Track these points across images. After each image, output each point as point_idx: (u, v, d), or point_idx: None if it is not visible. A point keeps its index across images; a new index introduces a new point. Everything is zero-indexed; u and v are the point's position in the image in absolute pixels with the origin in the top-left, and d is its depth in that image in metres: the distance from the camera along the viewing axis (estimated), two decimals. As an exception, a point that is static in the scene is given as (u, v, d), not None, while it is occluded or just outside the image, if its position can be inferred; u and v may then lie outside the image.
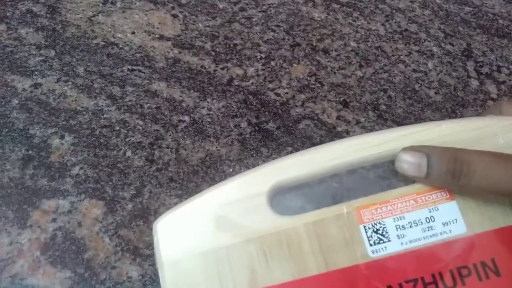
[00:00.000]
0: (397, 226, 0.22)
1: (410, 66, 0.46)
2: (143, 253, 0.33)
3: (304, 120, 0.41)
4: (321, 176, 0.23)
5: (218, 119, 0.41)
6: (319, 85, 0.44)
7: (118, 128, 0.39)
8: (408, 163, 0.23)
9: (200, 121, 0.40)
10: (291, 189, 0.23)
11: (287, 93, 0.43)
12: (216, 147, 0.39)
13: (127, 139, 0.39)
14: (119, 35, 0.45)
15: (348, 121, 0.41)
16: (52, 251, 0.33)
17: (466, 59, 0.47)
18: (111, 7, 0.48)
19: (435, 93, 0.44)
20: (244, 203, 0.22)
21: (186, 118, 0.40)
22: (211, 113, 0.41)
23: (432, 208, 0.22)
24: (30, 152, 0.37)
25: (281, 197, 0.23)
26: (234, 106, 0.42)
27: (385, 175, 0.23)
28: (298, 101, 0.42)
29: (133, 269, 0.33)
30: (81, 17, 0.46)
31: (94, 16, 0.47)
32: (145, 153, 0.38)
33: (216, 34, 0.47)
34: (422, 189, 0.23)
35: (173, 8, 0.48)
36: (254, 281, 0.21)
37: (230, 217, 0.22)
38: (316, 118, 0.41)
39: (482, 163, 0.21)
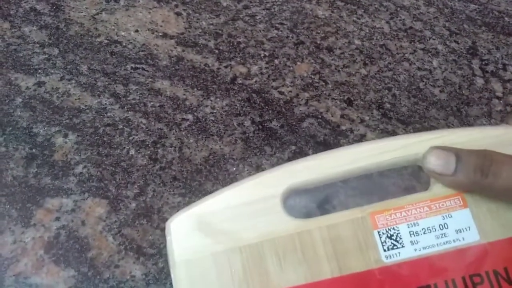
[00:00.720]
0: (411, 232, 0.22)
1: (414, 64, 0.46)
2: (147, 252, 0.33)
3: (308, 118, 0.41)
4: (335, 180, 0.23)
5: (222, 117, 0.40)
6: (323, 84, 0.43)
7: (121, 126, 0.39)
8: (436, 159, 0.23)
9: (203, 119, 0.40)
10: (305, 192, 0.23)
11: (291, 91, 0.43)
12: (220, 146, 0.39)
13: (131, 138, 0.39)
14: (123, 33, 0.45)
15: (352, 120, 0.41)
16: (55, 250, 0.33)
17: (471, 57, 0.47)
18: (115, 5, 0.47)
19: (440, 91, 0.44)
20: (258, 205, 0.22)
21: (190, 116, 0.40)
22: (214, 111, 0.41)
23: (446, 215, 0.22)
24: (33, 150, 0.37)
25: (295, 200, 0.23)
26: (238, 105, 0.41)
27: (399, 180, 0.23)
28: (302, 100, 0.42)
29: (137, 268, 0.33)
30: (84, 15, 0.46)
31: (97, 14, 0.47)
32: (149, 152, 0.38)
33: (220, 32, 0.46)
34: (436, 196, 0.23)
35: (176, 6, 0.48)
36: (268, 283, 0.21)
37: (244, 218, 0.22)
38: (320, 116, 0.41)
39: (510, 163, 0.22)
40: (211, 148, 0.39)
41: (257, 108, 0.41)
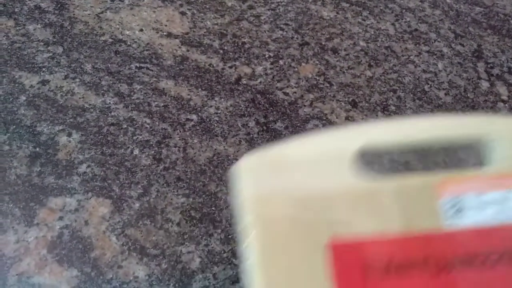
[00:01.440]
0: (475, 203, 0.23)
1: (420, 66, 0.45)
2: (150, 252, 0.33)
3: (313, 120, 0.41)
4: (411, 146, 0.24)
5: (226, 118, 0.40)
6: (328, 85, 0.43)
7: (125, 126, 0.39)
8: None
9: (207, 120, 0.40)
10: (380, 152, 0.24)
11: (295, 92, 0.43)
12: (224, 147, 0.39)
13: (135, 137, 0.39)
14: (127, 32, 0.45)
15: (357, 122, 0.41)
16: (58, 250, 0.33)
17: (476, 60, 0.47)
18: (119, 3, 0.47)
19: (445, 94, 0.44)
20: (331, 159, 0.23)
21: (194, 116, 0.40)
22: (219, 112, 0.41)
23: (509, 191, 0.23)
24: (37, 149, 0.37)
25: (370, 158, 0.24)
26: (242, 105, 0.41)
27: (471, 154, 0.25)
28: (306, 101, 0.42)
29: (140, 269, 0.33)
30: (89, 14, 0.46)
31: (102, 12, 0.46)
32: (153, 152, 0.38)
33: (225, 32, 0.46)
34: (501, 172, 0.24)
35: (181, 5, 0.48)
36: (335, 232, 0.22)
37: (315, 169, 0.23)
38: (324, 118, 0.41)
39: None
40: (215, 149, 0.38)
41: (262, 109, 0.41)
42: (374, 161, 0.24)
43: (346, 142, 0.23)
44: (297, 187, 0.22)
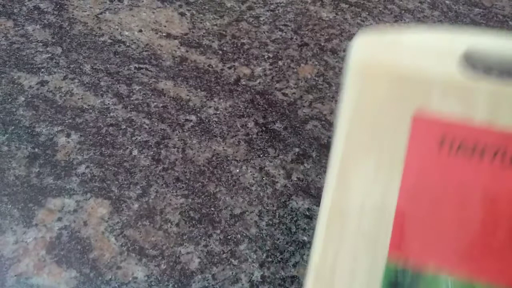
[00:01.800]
0: None
1: (419, 67, 0.46)
2: (149, 253, 0.33)
3: (312, 120, 0.41)
4: None
5: (225, 118, 0.40)
6: (327, 86, 0.43)
7: (124, 126, 0.39)
8: None
9: (207, 120, 0.40)
10: (487, 58, 0.25)
11: (294, 93, 0.43)
12: (223, 147, 0.39)
13: (134, 138, 0.39)
14: (126, 33, 0.45)
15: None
16: (57, 251, 0.33)
17: (475, 61, 0.47)
18: (118, 4, 0.47)
19: (444, 95, 0.44)
20: (440, 52, 0.25)
21: (193, 117, 0.40)
22: (218, 112, 0.41)
23: None
24: (36, 150, 0.37)
25: (475, 60, 0.25)
26: (241, 106, 0.41)
27: None
28: (305, 102, 0.42)
29: (139, 270, 0.33)
30: (88, 14, 0.46)
31: (101, 13, 0.46)
32: (152, 153, 0.38)
33: (224, 33, 0.46)
34: None
35: (180, 6, 0.48)
36: (422, 108, 0.24)
37: (423, 56, 0.24)
38: (323, 119, 0.41)
39: None
40: (214, 149, 0.38)
41: (261, 110, 0.41)
42: (479, 63, 0.25)
43: (458, 41, 0.25)
44: (401, 64, 0.24)
